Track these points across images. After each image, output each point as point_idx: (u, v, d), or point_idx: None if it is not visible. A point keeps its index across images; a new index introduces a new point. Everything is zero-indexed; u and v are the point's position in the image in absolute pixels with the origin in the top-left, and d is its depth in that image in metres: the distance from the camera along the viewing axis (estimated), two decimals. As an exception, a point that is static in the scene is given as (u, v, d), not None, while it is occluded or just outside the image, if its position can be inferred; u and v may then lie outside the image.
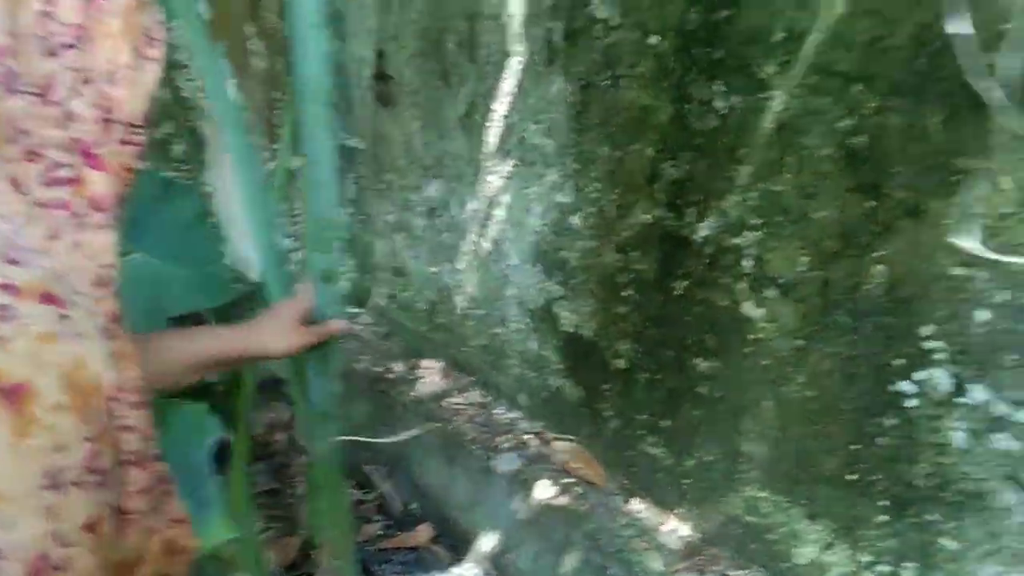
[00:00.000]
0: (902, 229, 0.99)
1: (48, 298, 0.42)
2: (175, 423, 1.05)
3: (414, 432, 1.33)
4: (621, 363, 1.45)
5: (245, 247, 1.30)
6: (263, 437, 2.15)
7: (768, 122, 1.09)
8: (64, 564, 0.41)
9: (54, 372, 0.40)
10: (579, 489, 1.52)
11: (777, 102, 1.07)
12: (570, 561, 1.45)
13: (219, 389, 1.91)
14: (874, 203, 1.01)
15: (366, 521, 1.87)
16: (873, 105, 0.97)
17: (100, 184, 0.51)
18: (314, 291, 1.15)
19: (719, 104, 1.13)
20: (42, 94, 0.49)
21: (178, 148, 2.30)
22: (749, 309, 1.19)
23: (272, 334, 1.05)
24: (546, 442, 1.65)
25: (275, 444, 2.16)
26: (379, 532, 1.83)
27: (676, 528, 1.42)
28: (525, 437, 1.65)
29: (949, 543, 1.05)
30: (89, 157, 0.51)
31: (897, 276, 1.01)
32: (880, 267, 1.02)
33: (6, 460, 0.38)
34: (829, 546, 1.21)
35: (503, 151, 1.54)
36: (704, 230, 1.21)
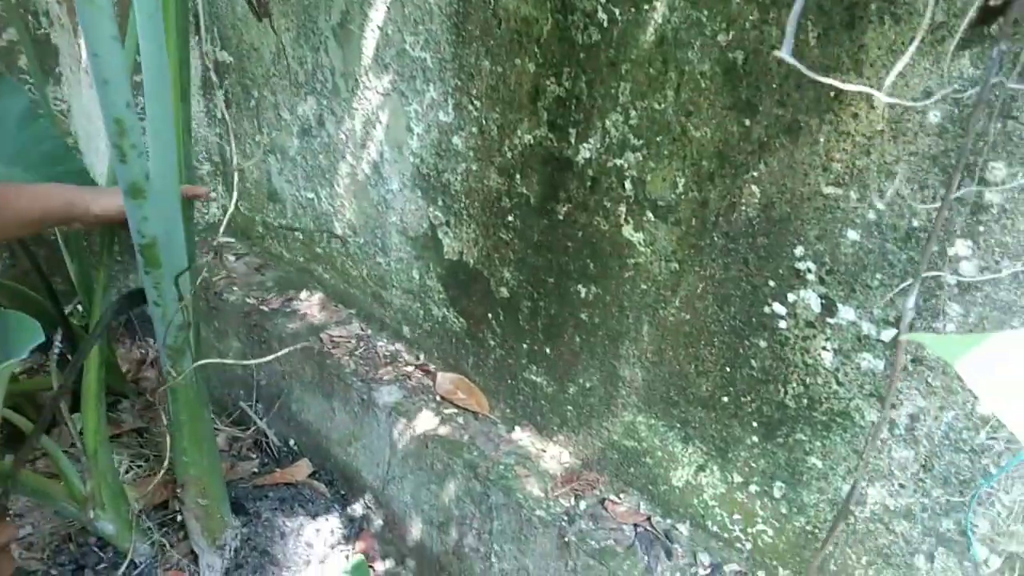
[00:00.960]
0: (777, 148, 0.97)
1: None
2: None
3: (286, 351, 1.25)
4: (504, 291, 1.41)
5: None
6: (131, 375, 2.02)
7: (649, 35, 1.04)
8: None
9: None
10: (461, 420, 1.49)
11: (658, 14, 1.02)
12: (451, 490, 1.43)
13: (73, 323, 1.77)
14: (750, 121, 0.99)
15: (242, 459, 1.79)
16: (752, 18, 0.94)
17: None
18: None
19: (601, 16, 1.08)
20: None
21: (24, 60, 2.07)
22: (629, 233, 1.17)
23: (103, 197, 1.08)
24: (428, 374, 1.60)
25: (144, 382, 2.03)
26: (255, 470, 1.76)
27: (557, 454, 1.41)
28: (407, 369, 1.60)
29: (817, 461, 1.08)
30: None
31: (771, 196, 1.00)
32: (755, 188, 1.01)
33: None
34: (702, 468, 1.23)
35: (380, 64, 1.44)
36: (586, 151, 1.17)
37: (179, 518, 1.55)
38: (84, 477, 1.36)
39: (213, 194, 2.07)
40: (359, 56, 1.47)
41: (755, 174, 1.00)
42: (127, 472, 1.72)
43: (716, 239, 1.07)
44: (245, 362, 1.23)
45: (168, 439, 1.33)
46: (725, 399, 1.15)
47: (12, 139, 1.27)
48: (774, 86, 0.95)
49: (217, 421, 1.91)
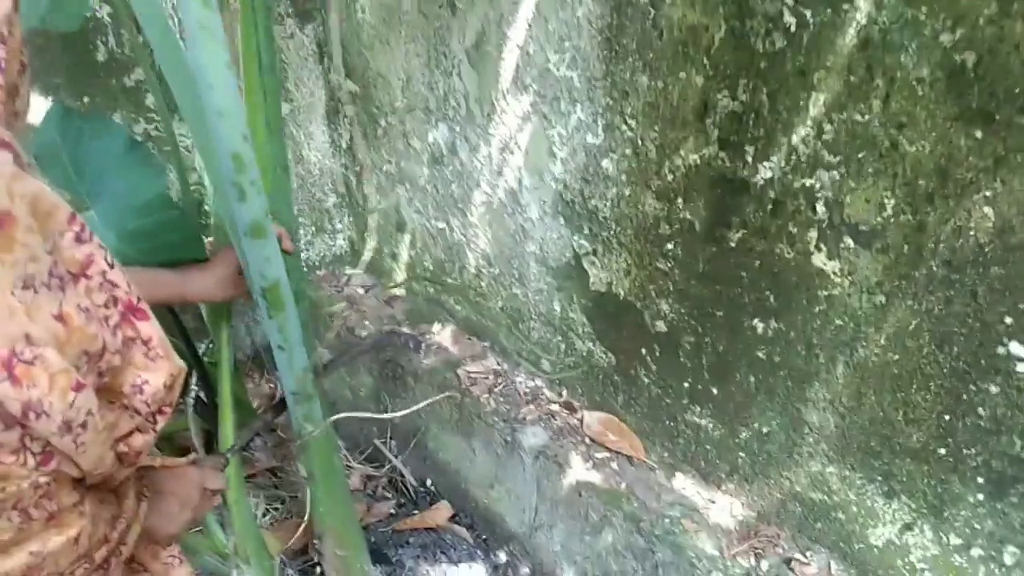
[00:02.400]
0: (1019, 163, 0.82)
1: (5, 145, 0.50)
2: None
3: (427, 402, 1.17)
4: (661, 325, 1.29)
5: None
6: (262, 411, 2.00)
7: (849, 39, 0.91)
8: (34, 358, 0.50)
9: (24, 202, 0.51)
10: (615, 464, 1.37)
11: (861, 13, 0.89)
12: (609, 543, 1.32)
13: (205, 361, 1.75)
14: (982, 133, 0.84)
15: (378, 500, 1.73)
16: (988, 12, 0.79)
17: None
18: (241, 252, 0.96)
19: (788, 19, 0.95)
20: None
21: (151, 98, 2.09)
22: (820, 261, 1.03)
23: (194, 280, 1.05)
24: (574, 412, 1.50)
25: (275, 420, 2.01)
26: (392, 511, 1.70)
27: (728, 506, 1.28)
28: (551, 407, 1.50)
29: (1064, 526, 0.91)
30: None
31: (1008, 219, 0.85)
32: (987, 209, 0.86)
33: None
34: (909, 527, 1.07)
35: (520, 86, 1.35)
36: (766, 171, 1.04)
37: (319, 570, 1.49)
38: (225, 528, 1.32)
39: (340, 225, 2.03)
40: (496, 79, 1.38)
41: (988, 194, 0.85)
42: (264, 515, 1.68)
43: (935, 269, 0.92)
44: (384, 415, 1.15)
45: (308, 492, 1.26)
46: (942, 451, 1.00)
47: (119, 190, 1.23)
48: (1017, 91, 0.80)
49: (350, 458, 1.87)
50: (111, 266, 0.61)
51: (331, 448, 1.23)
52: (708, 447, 1.30)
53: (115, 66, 1.74)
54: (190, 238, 1.17)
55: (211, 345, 2.00)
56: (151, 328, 0.65)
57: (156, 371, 0.65)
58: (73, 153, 1.08)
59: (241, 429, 1.21)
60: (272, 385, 2.10)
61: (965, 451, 0.97)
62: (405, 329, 1.80)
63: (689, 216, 1.17)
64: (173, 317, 1.67)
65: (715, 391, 1.25)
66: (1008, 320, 0.88)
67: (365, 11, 1.63)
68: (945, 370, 0.96)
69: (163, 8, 0.75)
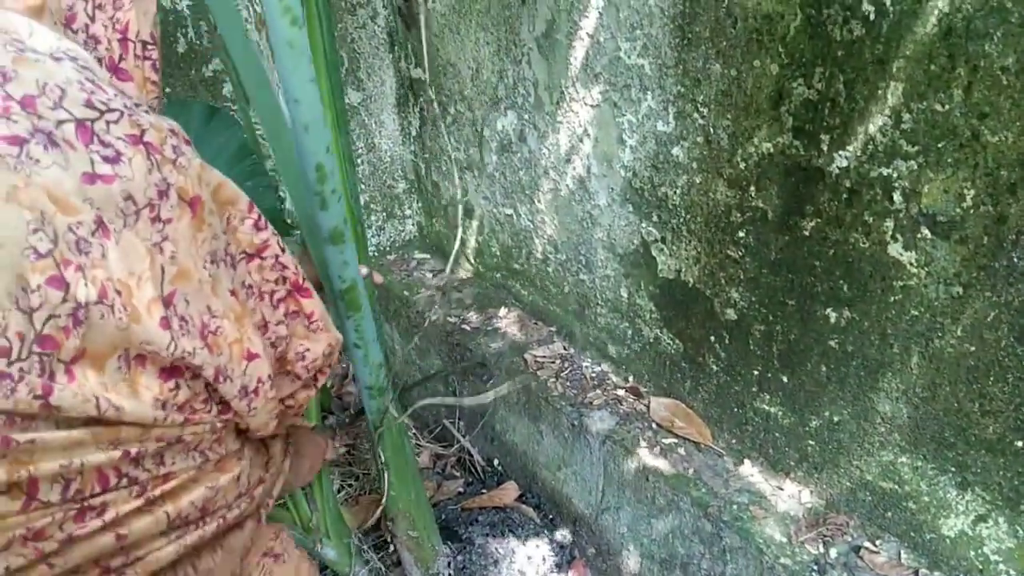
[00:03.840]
0: (1110, 152, 0.80)
1: (188, 141, 0.57)
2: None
3: (501, 390, 1.20)
4: (731, 313, 1.29)
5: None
6: (335, 390, 2.07)
7: (931, 27, 0.89)
8: (217, 328, 0.57)
9: (208, 189, 0.58)
10: (682, 450, 1.39)
11: (943, 2, 0.87)
12: (675, 527, 1.34)
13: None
14: (1072, 121, 0.82)
15: (447, 478, 1.78)
16: (1081, -3, 0.77)
17: (129, 91, 0.61)
18: (320, 256, 0.99)
19: (867, 7, 0.94)
20: (67, 24, 0.61)
21: (229, 87, 2.17)
22: (896, 252, 1.02)
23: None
24: (640, 398, 1.51)
25: (347, 396, 2.08)
26: (460, 489, 1.75)
27: (796, 493, 1.28)
28: (618, 393, 1.52)
29: None
30: (116, 72, 0.64)
31: (1098, 210, 0.83)
32: (1075, 199, 0.84)
33: (191, 247, 0.55)
34: (983, 518, 1.06)
35: (590, 74, 1.36)
36: (842, 160, 1.03)
37: (392, 547, 1.55)
38: (309, 504, 1.38)
39: (409, 211, 2.08)
40: (566, 67, 1.40)
41: (1076, 184, 0.83)
42: (339, 491, 1.75)
43: (1016, 261, 0.91)
44: (460, 401, 1.19)
45: (384, 476, 1.31)
46: (1019, 443, 0.98)
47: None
48: (1109, 78, 0.78)
49: (419, 437, 1.92)
50: (283, 250, 0.69)
51: (402, 435, 1.27)
52: (777, 435, 1.30)
53: (194, 57, 1.81)
54: (266, 186, 1.26)
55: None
56: (314, 304, 0.72)
57: (317, 341, 0.73)
58: None
59: (328, 409, 1.26)
60: (343, 364, 2.18)
61: (1045, 444, 0.96)
62: (475, 316, 1.84)
63: (762, 204, 1.17)
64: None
65: (785, 379, 1.25)
66: (1094, 313, 0.86)
67: (436, 0, 1.65)
68: (1025, 363, 0.94)
69: (243, 26, 0.79)
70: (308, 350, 0.73)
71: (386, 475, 1.28)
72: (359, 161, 1.94)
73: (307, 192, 0.86)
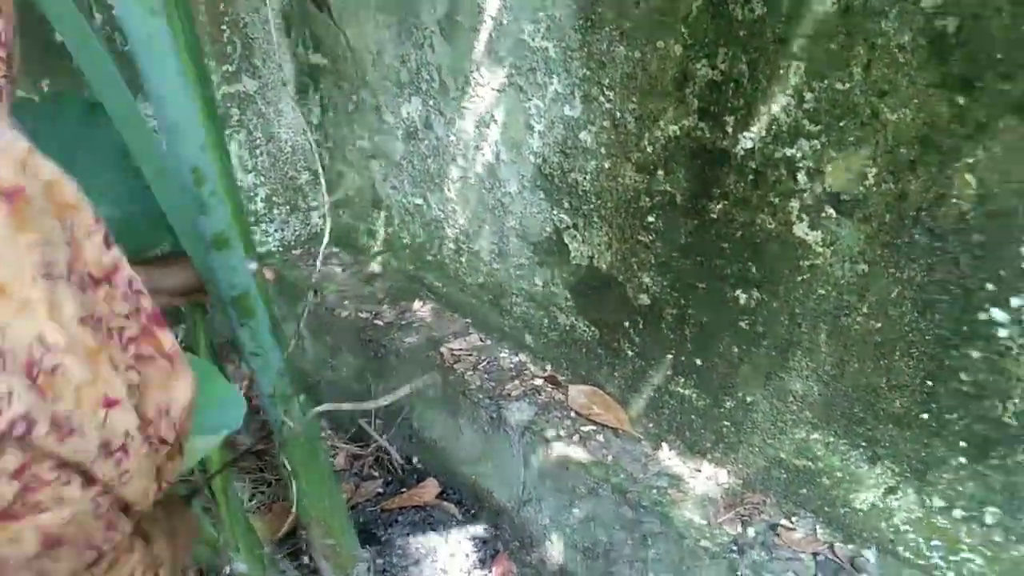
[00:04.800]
0: (1001, 130, 0.81)
1: (17, 126, 0.47)
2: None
3: (406, 389, 1.15)
4: (644, 298, 1.28)
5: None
6: (243, 392, 1.98)
7: (830, 5, 0.89)
8: (54, 367, 0.42)
9: (39, 183, 0.45)
10: (601, 437, 1.38)
11: (841, -21, 0.87)
12: (597, 514, 1.32)
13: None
14: (965, 100, 0.83)
15: (365, 479, 1.73)
16: (970, -25, 0.78)
17: None
18: (203, 263, 0.92)
19: (767, -14, 0.93)
20: None
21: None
22: (802, 232, 1.02)
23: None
24: (559, 387, 1.49)
25: (256, 399, 1.99)
26: (379, 490, 1.70)
27: (713, 474, 1.29)
28: (536, 382, 1.50)
29: (1044, 486, 0.92)
30: None
31: (991, 187, 0.84)
32: (969, 176, 0.85)
33: (8, 250, 0.41)
34: (893, 490, 1.08)
35: (494, 58, 1.32)
36: (747, 141, 1.03)
37: (308, 558, 1.49)
38: (212, 517, 1.31)
39: (314, 203, 2.00)
40: (469, 51, 1.35)
41: (970, 161, 0.85)
42: (251, 499, 1.67)
43: (917, 237, 0.92)
44: (365, 405, 1.13)
45: (292, 484, 1.25)
46: (925, 416, 1.00)
47: (106, 173, 1.20)
48: (998, 57, 0.79)
49: (335, 438, 1.86)
50: (135, 276, 0.54)
51: (314, 439, 1.21)
52: (693, 417, 1.30)
53: (74, 45, 1.67)
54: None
55: (186, 330, 1.97)
56: (171, 338, 0.56)
57: (181, 388, 0.57)
58: (32, 139, 1.05)
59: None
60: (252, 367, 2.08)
61: (947, 416, 0.98)
62: (388, 311, 1.78)
63: (670, 188, 1.16)
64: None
65: (699, 362, 1.25)
66: (989, 286, 0.88)
67: (332, -17, 1.58)
68: (928, 337, 0.96)
69: (79, 17, 0.70)
70: (172, 401, 0.55)
71: (293, 483, 1.21)
72: (258, 152, 1.85)
73: (185, 197, 0.80)
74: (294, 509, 1.24)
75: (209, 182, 0.78)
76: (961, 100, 0.83)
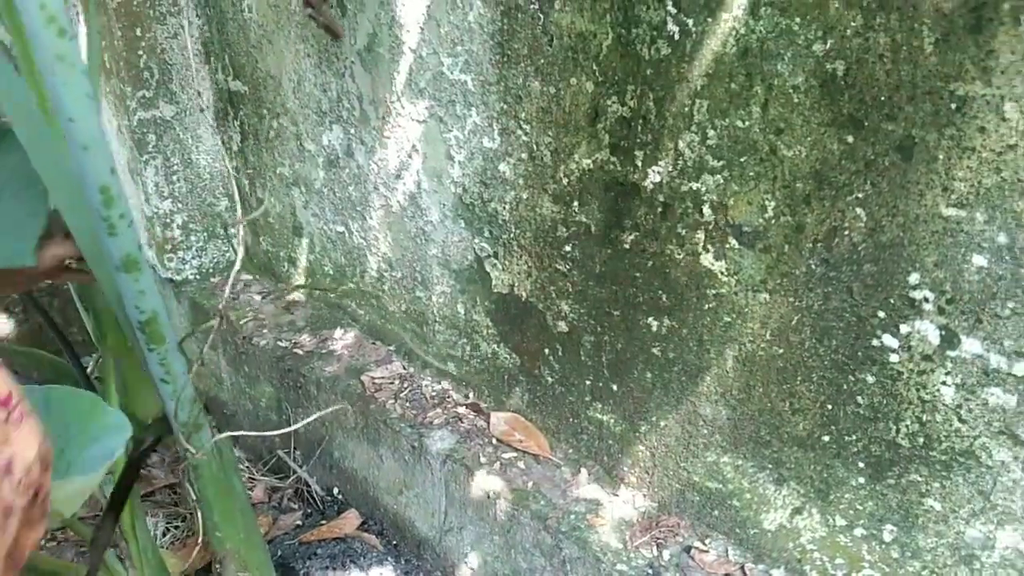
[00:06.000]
0: (887, 167, 0.87)
1: None
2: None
3: (311, 418, 1.14)
4: (562, 325, 1.31)
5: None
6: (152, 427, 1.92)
7: (729, 47, 0.94)
8: None
9: None
10: (521, 464, 1.39)
11: (740, 23, 0.92)
12: (517, 542, 1.33)
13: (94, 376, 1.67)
14: (854, 138, 0.88)
15: (284, 512, 1.69)
16: (855, 24, 0.84)
17: None
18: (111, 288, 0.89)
19: (671, 27, 0.97)
20: None
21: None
22: (708, 262, 1.07)
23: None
24: (481, 414, 1.50)
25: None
26: (298, 522, 1.66)
27: (631, 498, 1.31)
28: (458, 410, 1.50)
29: (934, 503, 0.98)
30: None
31: (879, 219, 0.90)
32: (860, 210, 0.91)
33: None
34: (799, 511, 1.13)
35: (415, 89, 1.33)
36: (655, 175, 1.07)
37: (225, 587, 1.45)
38: (120, 555, 1.26)
39: (232, 230, 1.97)
40: (390, 81, 1.37)
41: (860, 196, 0.90)
42: (164, 535, 1.62)
43: (813, 267, 0.97)
44: (275, 433, 1.12)
45: (199, 515, 1.22)
46: (826, 438, 1.05)
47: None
48: (882, 99, 0.85)
49: (252, 470, 1.82)
50: None
51: (228, 468, 1.18)
52: (610, 442, 1.33)
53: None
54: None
55: (100, 359, 1.90)
56: (6, 378, 0.46)
57: (26, 439, 0.47)
58: None
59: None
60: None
61: (847, 438, 1.03)
62: (307, 339, 1.76)
63: (585, 219, 1.19)
64: (55, 331, 1.58)
65: (615, 387, 1.28)
66: (881, 314, 0.94)
67: (252, 10, 1.57)
68: (826, 362, 1.01)
69: None
70: (15, 455, 0.45)
71: (200, 514, 1.18)
72: (175, 178, 1.82)
73: (91, 218, 0.78)
74: (200, 540, 1.21)
75: (118, 204, 0.77)
76: (850, 138, 0.89)
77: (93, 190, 0.74)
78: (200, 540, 1.22)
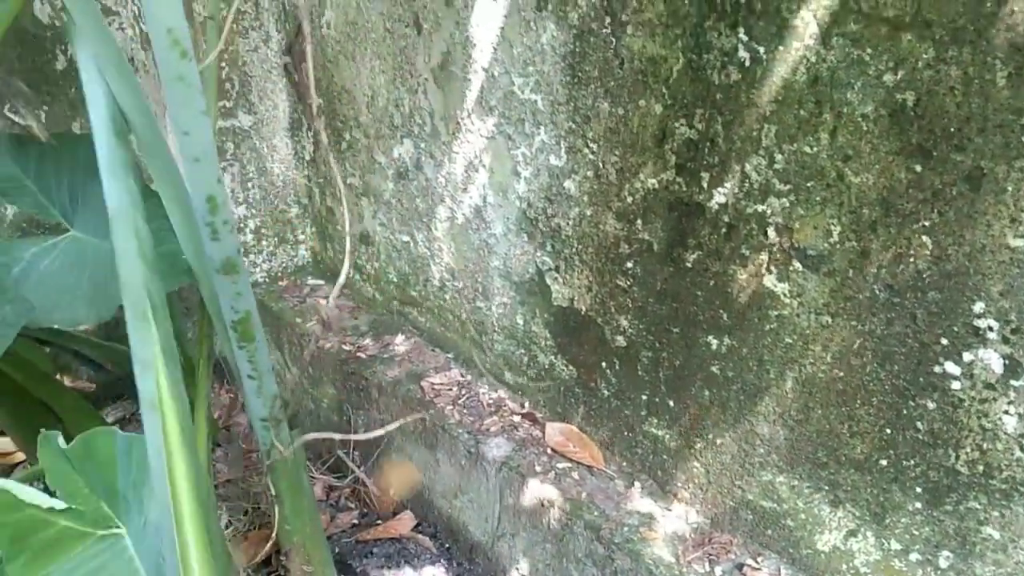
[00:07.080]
0: (954, 196, 0.88)
1: None
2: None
3: (393, 426, 1.20)
4: (621, 340, 1.33)
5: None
6: (223, 421, 2.00)
7: (800, 75, 0.96)
8: None
9: None
10: (576, 475, 1.42)
11: (811, 52, 0.94)
12: (570, 551, 1.36)
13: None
14: (921, 167, 0.90)
15: (341, 510, 1.75)
16: (927, 56, 0.85)
17: None
18: (209, 288, 0.96)
19: (742, 54, 1.00)
20: None
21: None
22: (771, 283, 1.08)
23: None
24: (536, 423, 1.53)
25: (235, 427, 2.01)
26: (355, 521, 1.72)
27: (683, 514, 1.33)
28: (514, 419, 1.54)
29: (993, 532, 0.98)
30: None
31: (945, 248, 0.91)
32: (926, 238, 0.92)
33: None
34: (854, 533, 1.13)
35: (485, 107, 1.38)
36: (721, 196, 1.09)
37: (286, 578, 1.51)
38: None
39: (302, 236, 2.04)
40: (461, 99, 1.42)
41: (926, 224, 0.91)
42: (227, 527, 1.69)
43: (877, 292, 0.98)
44: (353, 436, 1.17)
45: (275, 510, 1.28)
46: (884, 462, 1.06)
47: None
48: (952, 130, 0.86)
49: (312, 469, 1.88)
50: None
51: (299, 466, 1.25)
52: (665, 457, 1.35)
53: (74, 75, 1.72)
54: (168, 229, 1.20)
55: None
56: None
57: None
58: (38, 179, 1.09)
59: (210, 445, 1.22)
60: (232, 395, 2.10)
61: (905, 462, 1.03)
62: (370, 344, 1.82)
63: (648, 237, 1.22)
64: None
65: (671, 403, 1.30)
66: (944, 341, 0.94)
67: (330, 26, 1.64)
68: (887, 387, 1.02)
69: (121, 55, 0.76)
70: None
71: (277, 509, 1.24)
72: (249, 185, 1.90)
73: (199, 224, 0.84)
74: (274, 534, 1.27)
75: (222, 211, 0.83)
76: (918, 168, 0.90)
77: (200, 198, 0.81)
78: (273, 532, 1.27)
